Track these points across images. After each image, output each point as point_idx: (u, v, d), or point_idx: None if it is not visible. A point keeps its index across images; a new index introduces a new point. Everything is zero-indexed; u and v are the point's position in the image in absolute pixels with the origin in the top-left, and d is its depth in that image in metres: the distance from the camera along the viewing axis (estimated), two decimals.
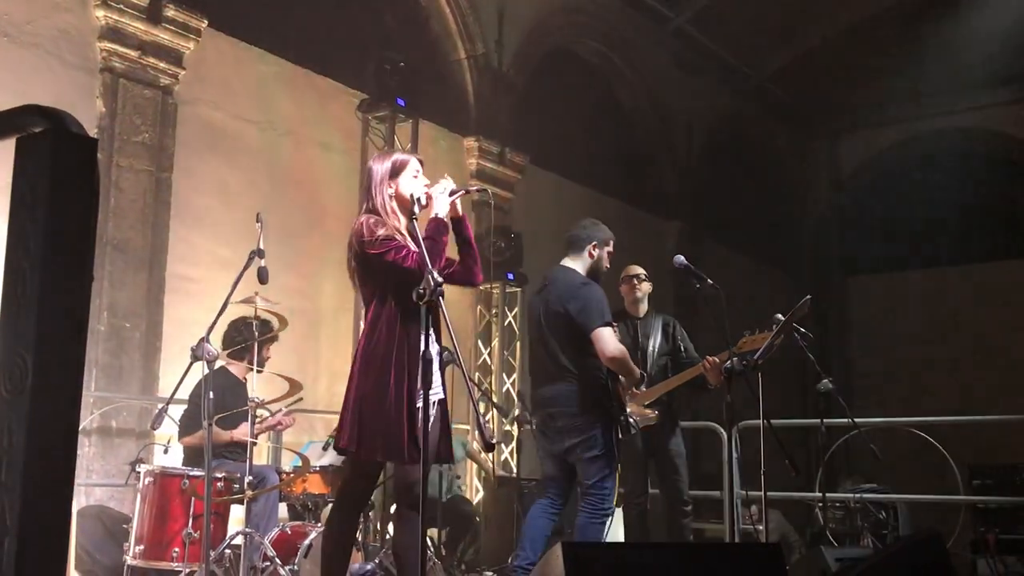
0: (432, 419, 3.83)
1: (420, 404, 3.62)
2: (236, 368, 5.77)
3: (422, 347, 3.42)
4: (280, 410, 5.58)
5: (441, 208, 3.77)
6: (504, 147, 9.45)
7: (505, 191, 9.53)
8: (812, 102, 13.25)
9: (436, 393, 3.85)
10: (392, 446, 3.65)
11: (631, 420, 4.79)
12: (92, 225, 1.34)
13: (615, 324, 4.84)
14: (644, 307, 5.91)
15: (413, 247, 3.69)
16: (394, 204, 3.86)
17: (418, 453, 3.61)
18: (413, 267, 3.63)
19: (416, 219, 3.67)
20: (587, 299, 4.76)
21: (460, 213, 3.92)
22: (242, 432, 5.39)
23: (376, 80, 7.92)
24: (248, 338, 5.45)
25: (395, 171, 3.92)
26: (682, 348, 5.83)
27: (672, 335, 5.87)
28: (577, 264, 5.00)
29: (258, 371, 4.93)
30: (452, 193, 3.79)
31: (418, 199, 3.72)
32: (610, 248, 5.06)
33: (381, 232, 3.74)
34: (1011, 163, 13.10)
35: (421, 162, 3.97)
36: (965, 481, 7.30)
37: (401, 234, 3.78)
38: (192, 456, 5.49)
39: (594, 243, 5.01)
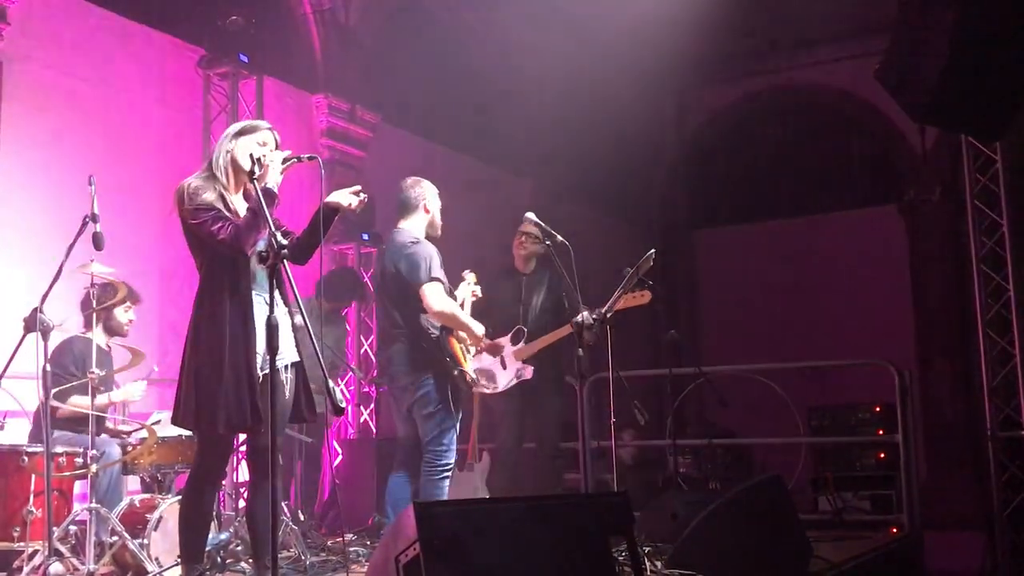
0: (288, 383, 3.79)
1: (266, 370, 3.59)
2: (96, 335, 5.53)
3: (267, 312, 3.37)
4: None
5: (272, 178, 3.69)
6: (354, 104, 9.30)
7: (357, 149, 9.40)
8: (659, 57, 13.46)
9: (286, 357, 3.80)
10: (233, 416, 3.58)
11: (468, 373, 4.82)
12: None
13: (442, 279, 4.84)
14: (532, 264, 6.01)
15: (232, 217, 3.63)
16: (227, 162, 3.78)
17: (261, 421, 3.56)
18: (227, 239, 3.57)
19: (258, 178, 3.59)
20: (416, 256, 4.82)
21: (351, 206, 3.89)
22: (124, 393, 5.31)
23: (216, 35, 7.64)
24: (103, 302, 5.28)
25: (242, 131, 3.86)
26: (566, 305, 5.92)
27: (557, 295, 5.96)
28: (413, 224, 5.01)
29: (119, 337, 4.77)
30: (284, 161, 3.72)
31: (257, 159, 3.64)
32: (440, 205, 5.08)
33: (202, 198, 3.64)
34: (847, 117, 13.65)
35: (278, 142, 3.88)
36: (805, 423, 7.64)
37: (223, 199, 3.71)
38: (64, 426, 5.27)
39: (427, 202, 5.04)
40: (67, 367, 5.29)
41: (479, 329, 4.95)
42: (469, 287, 5.27)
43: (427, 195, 5.04)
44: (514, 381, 5.78)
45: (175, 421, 3.77)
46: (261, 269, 3.59)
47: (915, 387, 6.99)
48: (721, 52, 13.22)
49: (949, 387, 12.41)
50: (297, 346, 3.84)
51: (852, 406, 7.73)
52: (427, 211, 5.02)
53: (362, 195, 3.95)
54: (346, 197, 3.91)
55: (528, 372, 5.75)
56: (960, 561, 7.50)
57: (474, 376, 4.90)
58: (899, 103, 5.56)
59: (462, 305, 5.08)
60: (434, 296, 4.75)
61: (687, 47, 12.39)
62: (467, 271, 5.35)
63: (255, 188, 3.56)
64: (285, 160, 3.72)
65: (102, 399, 5.29)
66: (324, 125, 9.07)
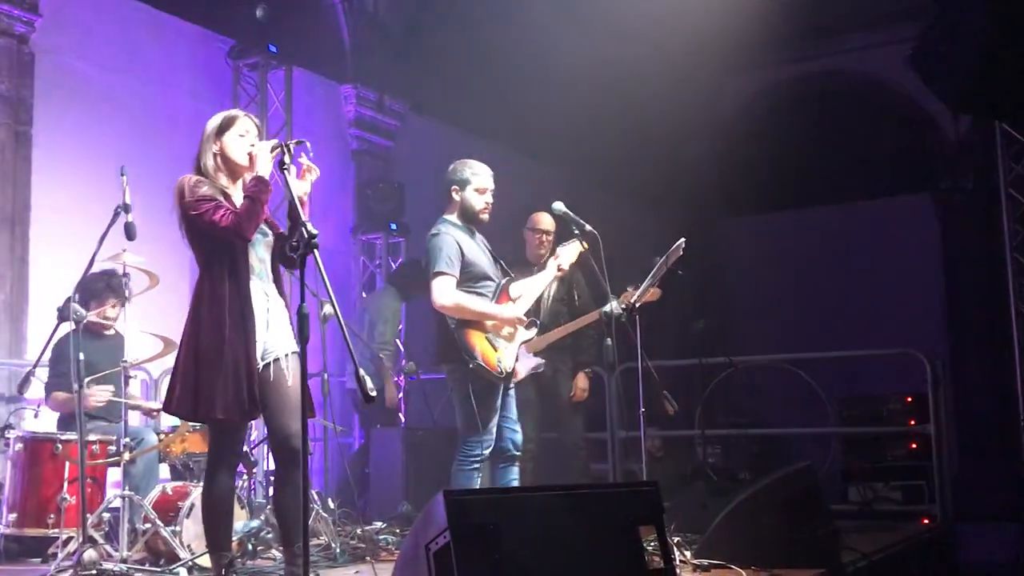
0: (288, 371, 3.79)
1: (275, 359, 3.73)
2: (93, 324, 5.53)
3: (266, 302, 3.49)
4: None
5: (263, 167, 3.72)
6: (383, 94, 9.31)
7: (385, 139, 9.42)
8: (689, 44, 13.38)
9: (281, 348, 3.81)
10: (231, 403, 3.62)
11: (485, 366, 4.61)
12: None
13: (450, 272, 4.63)
14: (546, 258, 5.98)
15: (233, 207, 3.68)
16: (219, 163, 3.80)
17: (258, 409, 3.62)
18: (230, 226, 3.61)
19: (247, 167, 3.70)
20: (429, 249, 4.70)
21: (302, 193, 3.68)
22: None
23: (246, 26, 7.67)
24: (97, 292, 5.30)
25: (221, 129, 3.86)
26: (576, 297, 5.90)
27: (569, 284, 5.94)
28: (449, 212, 4.82)
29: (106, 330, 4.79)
30: (272, 149, 3.72)
31: (287, 146, 3.66)
32: (479, 186, 4.78)
33: (201, 191, 3.69)
34: (879, 104, 13.50)
35: (258, 126, 3.90)
36: (836, 413, 7.59)
37: (225, 194, 3.75)
38: (64, 419, 5.32)
39: (454, 186, 4.80)
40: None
41: (506, 311, 4.70)
42: (555, 262, 4.98)
43: (454, 181, 4.80)
44: (526, 373, 5.73)
45: (167, 409, 3.77)
46: (260, 261, 3.75)
47: (947, 377, 6.92)
48: (751, 39, 13.10)
49: (981, 377, 12.28)
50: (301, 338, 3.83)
51: (883, 396, 7.66)
52: (454, 199, 4.79)
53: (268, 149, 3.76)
54: (260, 158, 3.75)
55: (537, 364, 5.68)
56: (992, 552, 7.43)
57: (503, 368, 4.66)
58: (932, 91, 5.51)
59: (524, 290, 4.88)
60: (436, 290, 4.60)
61: (717, 34, 12.31)
62: (570, 241, 5.03)
63: (283, 178, 3.58)
64: (273, 148, 3.72)
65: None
66: (352, 115, 9.10)
